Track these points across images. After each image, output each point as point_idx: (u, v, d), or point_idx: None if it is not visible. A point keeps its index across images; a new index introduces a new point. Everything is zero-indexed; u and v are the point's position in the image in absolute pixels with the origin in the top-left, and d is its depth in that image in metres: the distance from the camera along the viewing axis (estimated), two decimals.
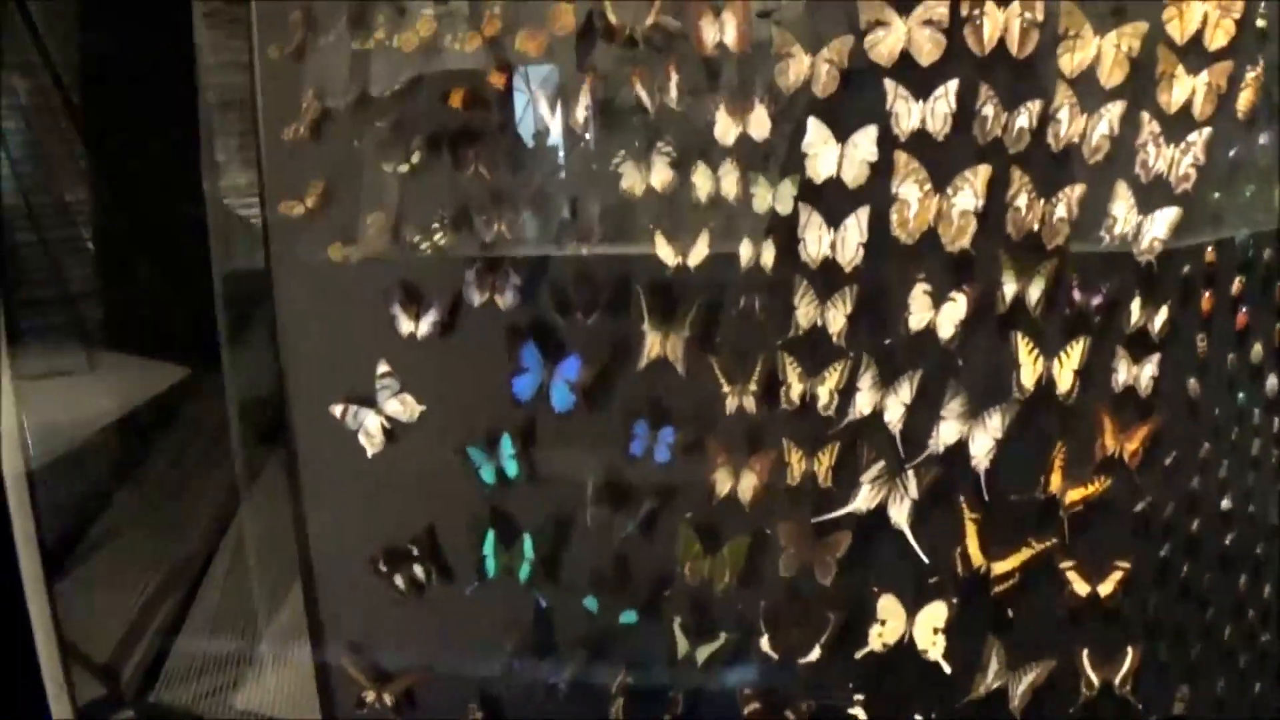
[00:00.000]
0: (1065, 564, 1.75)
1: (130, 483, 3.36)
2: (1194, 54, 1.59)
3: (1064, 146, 1.62)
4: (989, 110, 1.62)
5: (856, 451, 1.76)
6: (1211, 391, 1.72)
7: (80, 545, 3.05)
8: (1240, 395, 1.74)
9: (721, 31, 1.67)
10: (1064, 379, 1.68)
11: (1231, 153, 1.63)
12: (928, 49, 1.61)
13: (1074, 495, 1.72)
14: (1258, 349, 1.72)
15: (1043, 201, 1.63)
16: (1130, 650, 1.78)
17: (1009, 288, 1.67)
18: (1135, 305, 1.67)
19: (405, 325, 1.86)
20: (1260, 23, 1.59)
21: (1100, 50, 1.59)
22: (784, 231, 1.71)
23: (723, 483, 1.80)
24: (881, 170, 1.66)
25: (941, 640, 1.79)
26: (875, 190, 1.67)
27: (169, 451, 3.41)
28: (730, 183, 1.70)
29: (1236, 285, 1.69)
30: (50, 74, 3.28)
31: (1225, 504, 1.77)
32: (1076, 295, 1.67)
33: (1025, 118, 1.61)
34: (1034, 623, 1.79)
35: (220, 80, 2.66)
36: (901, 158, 1.65)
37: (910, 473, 1.75)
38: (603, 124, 1.77)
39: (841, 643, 1.82)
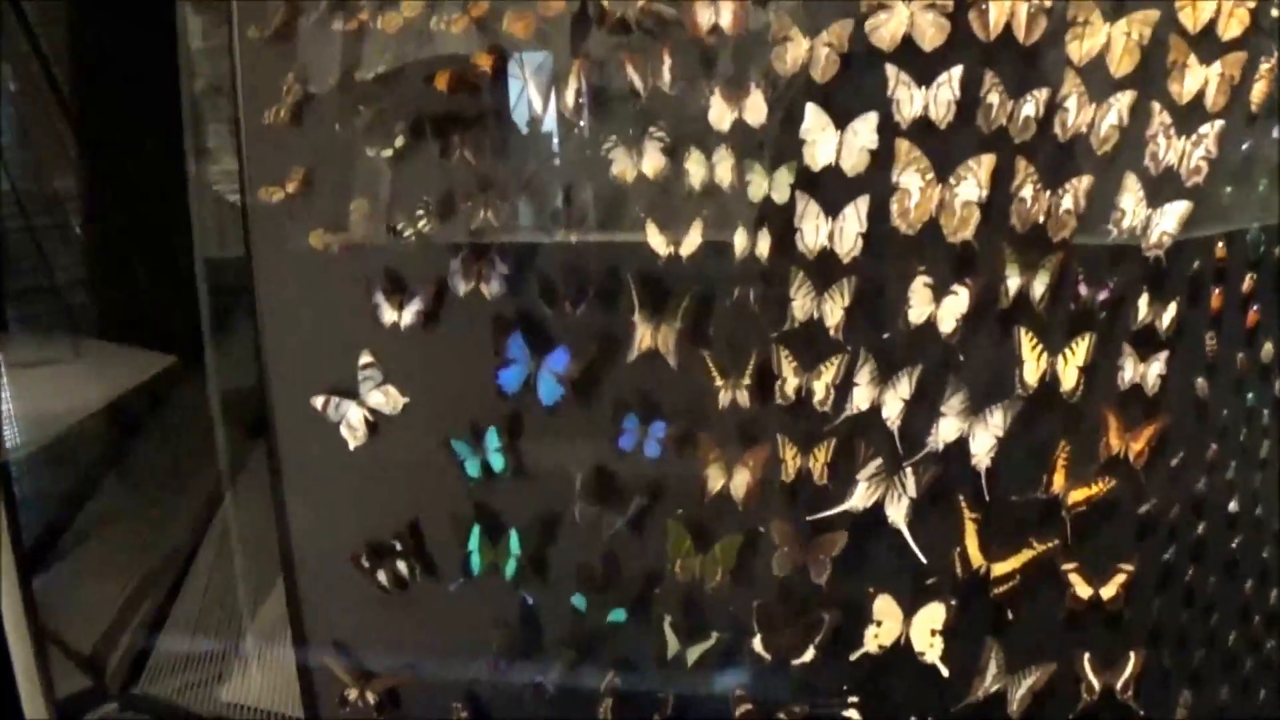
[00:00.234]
0: (1067, 566, 1.74)
1: (117, 472, 3.39)
2: (1207, 43, 1.58)
3: (1071, 137, 1.60)
4: (994, 98, 1.59)
5: (853, 448, 1.74)
6: (1220, 391, 1.72)
7: (66, 535, 3.06)
8: (1249, 395, 1.74)
9: (716, 14, 1.65)
10: (1068, 376, 1.66)
11: (1244, 146, 1.63)
12: (931, 34, 1.59)
13: (1077, 496, 1.70)
14: (1268, 348, 1.72)
15: (1048, 193, 1.62)
16: (1132, 655, 1.77)
17: (1012, 282, 1.64)
18: (1143, 301, 1.65)
19: (388, 315, 1.85)
20: (1275, 12, 1.58)
21: (1110, 38, 1.57)
22: (780, 221, 1.69)
23: (715, 479, 1.78)
24: (882, 159, 1.64)
25: (939, 642, 1.77)
26: (875, 179, 1.64)
27: (156, 441, 3.43)
28: (725, 170, 1.68)
29: (1247, 283, 1.69)
30: (40, 63, 3.28)
31: (1232, 507, 1.78)
32: (1082, 290, 1.65)
33: (1031, 106, 1.59)
34: (1034, 625, 1.78)
35: (211, 65, 2.67)
36: (903, 146, 1.62)
37: (908, 471, 1.73)
38: (595, 110, 1.75)
39: (836, 644, 1.81)
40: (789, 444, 1.75)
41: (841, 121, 1.64)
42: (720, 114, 1.67)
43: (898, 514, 1.74)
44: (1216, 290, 1.67)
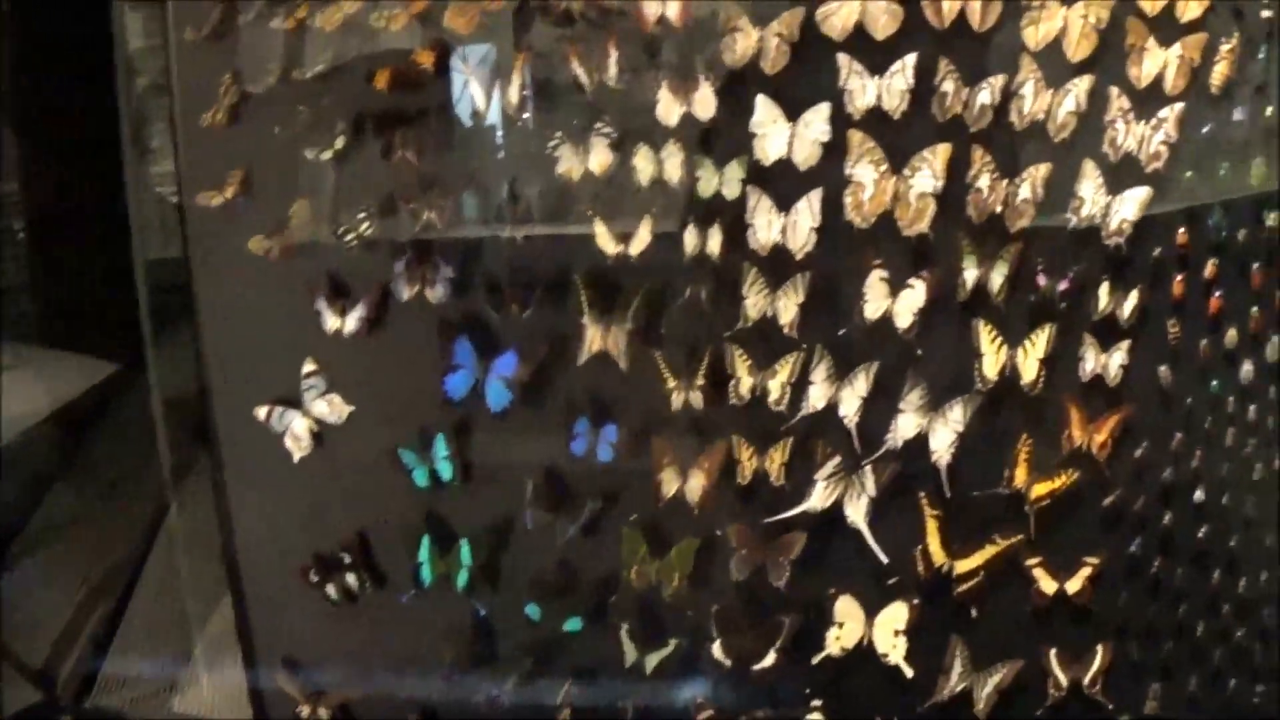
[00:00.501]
0: (1031, 561, 1.72)
1: (63, 482, 3.34)
2: (1166, 26, 1.57)
3: (1028, 124, 1.59)
4: (949, 86, 1.58)
5: (810, 448, 1.72)
6: (1183, 380, 1.71)
7: (13, 547, 3.02)
8: (1214, 383, 1.73)
9: (663, 5, 1.63)
10: (1028, 368, 1.65)
11: (1205, 129, 1.62)
12: (883, 22, 1.57)
13: (1040, 490, 1.69)
14: (1232, 334, 1.71)
15: (1006, 182, 1.60)
16: (1100, 649, 1.75)
17: (970, 273, 1.63)
18: (1103, 290, 1.64)
19: (331, 321, 1.83)
20: None
21: (1067, 22, 1.56)
22: (731, 217, 1.67)
23: (669, 482, 1.76)
24: (835, 151, 1.62)
25: (902, 643, 1.76)
26: (828, 172, 1.63)
27: (105, 448, 3.39)
28: (674, 165, 1.67)
29: (1210, 268, 1.67)
30: None
31: (1198, 496, 1.76)
32: (1041, 280, 1.64)
33: (987, 94, 1.58)
34: (999, 622, 1.77)
35: (153, 64, 2.62)
36: (856, 137, 1.61)
37: (868, 469, 1.71)
38: (540, 104, 1.74)
39: (797, 647, 1.79)
40: (745, 445, 1.73)
41: (793, 113, 1.62)
42: (668, 108, 1.66)
43: (857, 513, 1.72)
44: (1178, 277, 1.66)
